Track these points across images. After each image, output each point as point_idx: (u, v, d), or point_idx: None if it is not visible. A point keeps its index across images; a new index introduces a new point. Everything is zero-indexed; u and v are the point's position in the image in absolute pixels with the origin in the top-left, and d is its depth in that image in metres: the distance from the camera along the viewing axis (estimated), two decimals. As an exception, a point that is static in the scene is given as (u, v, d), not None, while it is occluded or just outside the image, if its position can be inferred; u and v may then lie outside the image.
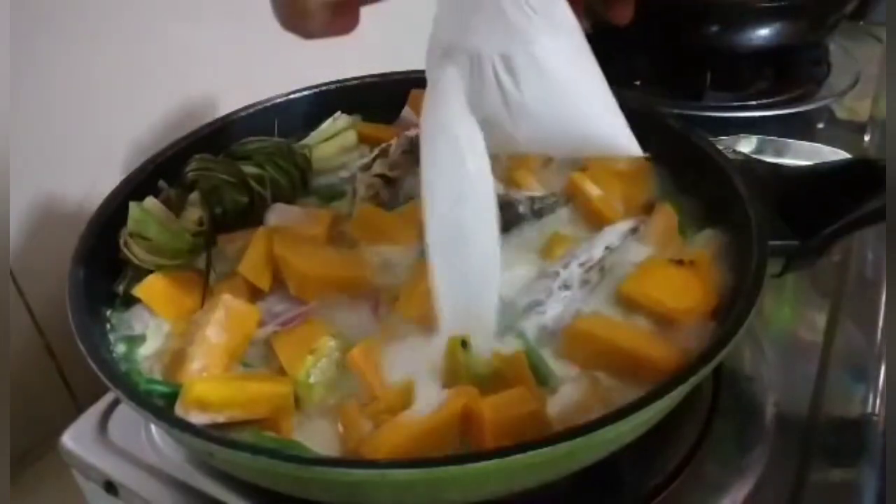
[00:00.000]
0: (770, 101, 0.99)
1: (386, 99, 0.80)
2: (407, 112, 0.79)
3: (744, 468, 0.56)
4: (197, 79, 0.79)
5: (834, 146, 0.86)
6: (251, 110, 0.73)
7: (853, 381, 0.64)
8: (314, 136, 0.75)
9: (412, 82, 0.79)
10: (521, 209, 0.67)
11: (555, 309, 0.56)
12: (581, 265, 0.59)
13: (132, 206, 0.60)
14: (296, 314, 0.57)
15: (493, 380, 0.49)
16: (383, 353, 0.53)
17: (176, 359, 0.53)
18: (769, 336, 0.67)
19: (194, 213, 0.63)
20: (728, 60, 1.02)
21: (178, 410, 0.48)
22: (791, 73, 1.05)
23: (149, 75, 0.74)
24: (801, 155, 0.84)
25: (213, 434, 0.46)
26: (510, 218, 0.66)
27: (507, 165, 0.73)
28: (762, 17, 0.96)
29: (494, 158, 0.73)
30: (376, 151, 0.75)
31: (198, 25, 0.79)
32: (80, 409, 0.61)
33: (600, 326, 0.54)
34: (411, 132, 0.76)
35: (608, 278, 0.60)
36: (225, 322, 0.53)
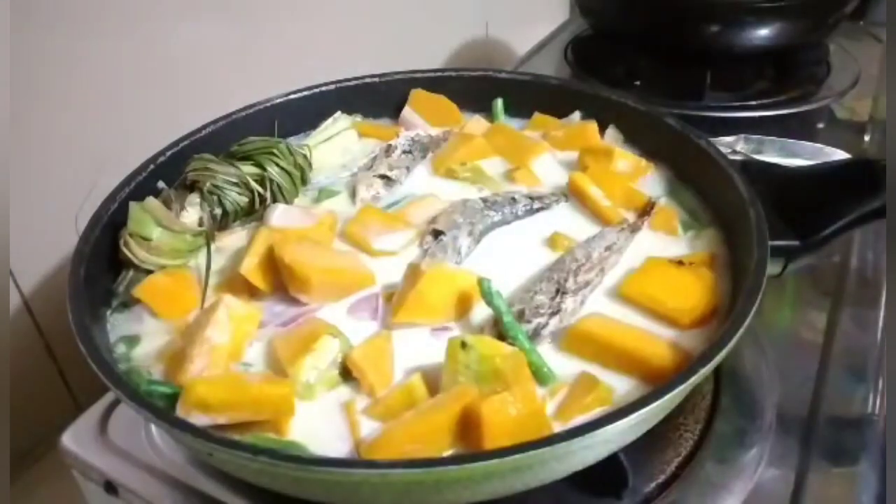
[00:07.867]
0: (770, 101, 0.98)
1: (386, 99, 0.80)
2: (407, 112, 0.79)
3: (744, 468, 0.56)
4: (197, 79, 0.79)
5: (834, 146, 0.86)
6: (251, 110, 0.73)
7: (853, 381, 0.64)
8: (314, 136, 0.75)
9: (412, 82, 0.79)
10: (523, 207, 0.67)
11: (555, 309, 0.56)
12: (581, 265, 0.59)
13: (132, 206, 0.60)
14: (296, 314, 0.57)
15: (493, 380, 0.49)
16: (383, 354, 0.54)
17: (176, 359, 0.53)
18: (769, 336, 0.67)
19: (194, 213, 0.63)
20: (728, 60, 1.01)
21: (180, 411, 0.48)
22: (791, 74, 1.05)
23: (149, 75, 0.74)
24: (801, 155, 0.84)
25: (213, 435, 0.46)
26: (511, 216, 0.66)
27: (509, 164, 0.73)
28: (762, 17, 0.95)
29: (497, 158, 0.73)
30: (376, 151, 0.75)
31: (198, 25, 0.79)
32: (80, 409, 0.61)
33: (600, 326, 0.55)
34: (411, 132, 0.77)
35: (608, 278, 0.60)
36: (225, 322, 0.53)
